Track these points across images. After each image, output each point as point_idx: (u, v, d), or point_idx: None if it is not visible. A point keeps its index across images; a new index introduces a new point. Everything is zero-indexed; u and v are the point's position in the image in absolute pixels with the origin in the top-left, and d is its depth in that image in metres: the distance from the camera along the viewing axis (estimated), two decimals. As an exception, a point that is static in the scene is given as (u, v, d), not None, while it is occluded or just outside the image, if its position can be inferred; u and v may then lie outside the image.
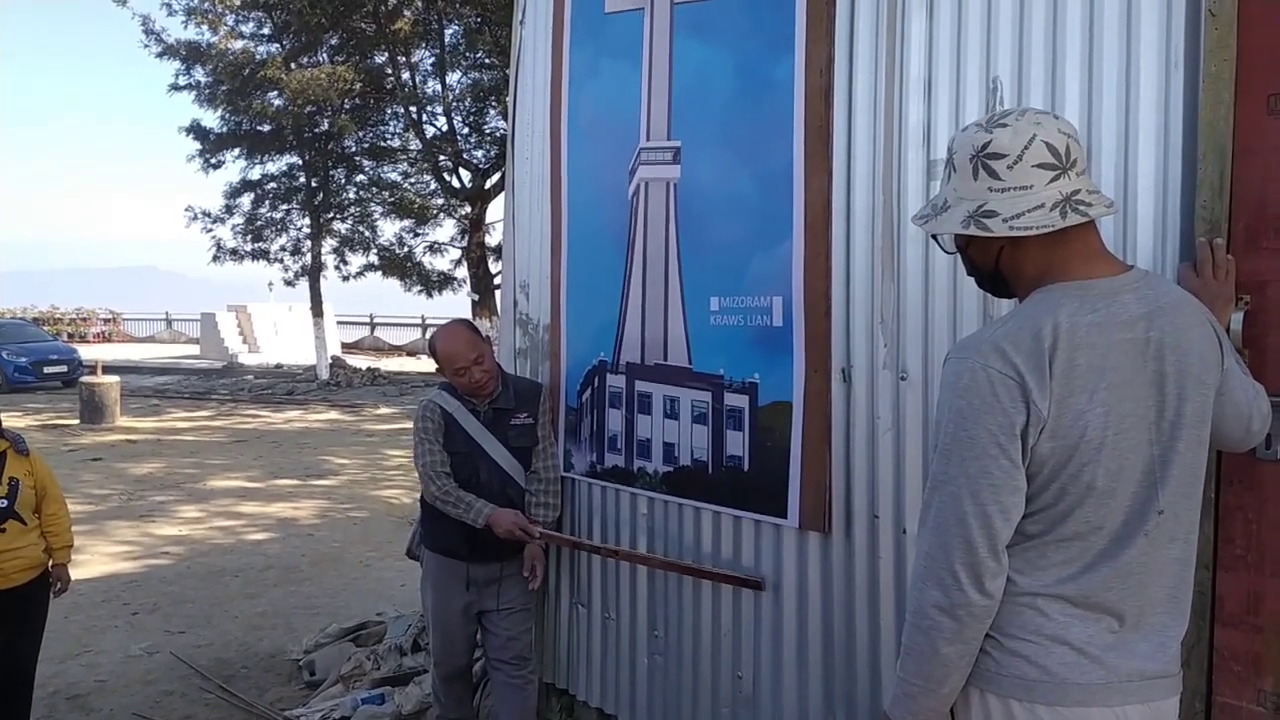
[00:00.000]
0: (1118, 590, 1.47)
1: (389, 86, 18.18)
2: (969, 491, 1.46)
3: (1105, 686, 1.46)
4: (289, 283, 20.84)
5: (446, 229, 20.09)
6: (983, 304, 2.17)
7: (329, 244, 20.20)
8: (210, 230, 19.93)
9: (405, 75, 18.07)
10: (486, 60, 17.48)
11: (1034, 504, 1.48)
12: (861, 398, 2.45)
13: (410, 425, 3.33)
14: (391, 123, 19.41)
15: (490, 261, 17.99)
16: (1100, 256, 1.54)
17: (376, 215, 20.18)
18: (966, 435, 1.46)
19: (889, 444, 2.38)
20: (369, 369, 21.09)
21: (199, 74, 18.38)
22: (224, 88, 17.79)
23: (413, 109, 18.23)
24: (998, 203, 1.49)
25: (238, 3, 17.68)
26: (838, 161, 2.47)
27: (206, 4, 17.65)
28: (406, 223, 19.83)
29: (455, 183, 18.77)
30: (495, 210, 18.56)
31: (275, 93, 17.53)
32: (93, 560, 6.64)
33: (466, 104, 18.30)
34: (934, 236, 1.79)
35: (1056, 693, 1.46)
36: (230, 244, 20.02)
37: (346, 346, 27.49)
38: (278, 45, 18.28)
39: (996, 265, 1.59)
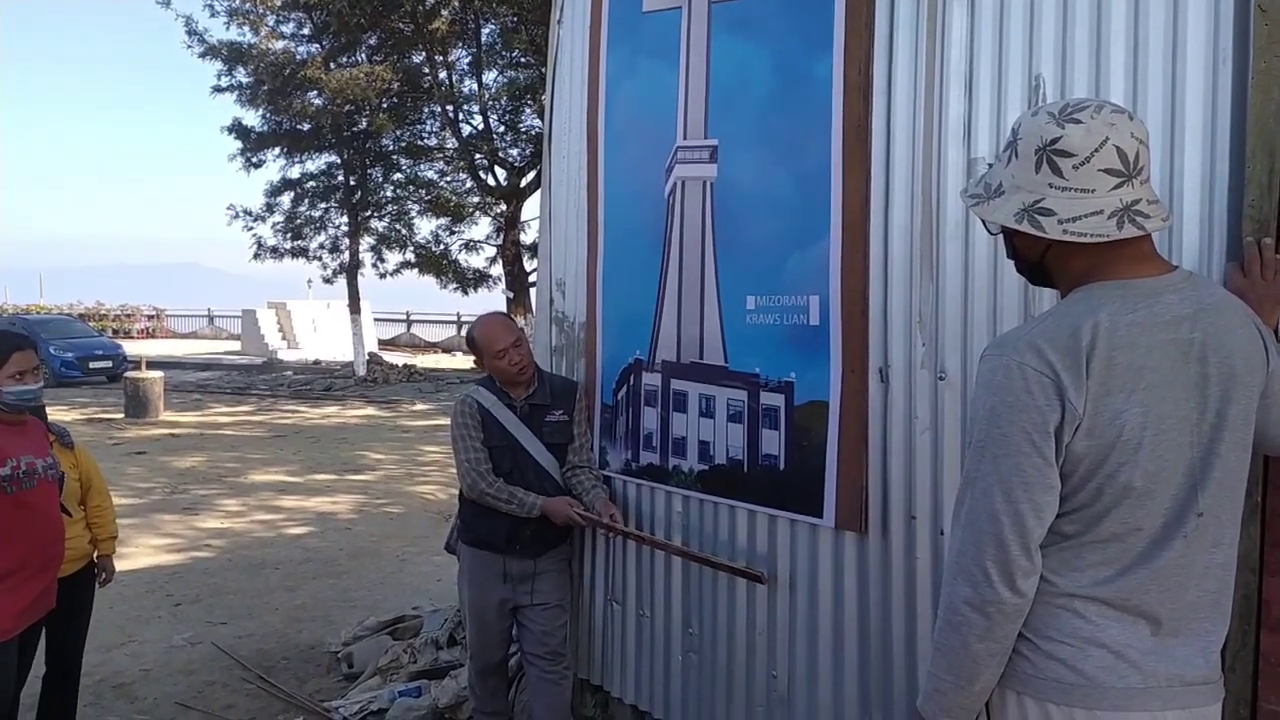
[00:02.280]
0: (1155, 593, 1.46)
1: (426, 85, 18.34)
2: (1001, 489, 1.45)
3: (1144, 691, 1.45)
4: (327, 280, 21.11)
5: (482, 227, 20.28)
6: (1023, 303, 2.15)
7: (366, 242, 20.43)
8: (251, 228, 20.26)
9: (442, 74, 18.21)
10: (523, 59, 17.57)
11: (1070, 503, 1.47)
12: (899, 398, 2.43)
13: (446, 421, 3.36)
14: (428, 121, 19.59)
15: (525, 259, 18.09)
16: (1147, 257, 1.51)
17: (413, 213, 20.38)
18: (1000, 432, 1.45)
19: (927, 444, 2.36)
20: (405, 365, 21.30)
21: (240, 74, 18.66)
22: (265, 87, 18.04)
23: (449, 108, 18.39)
24: (1056, 201, 1.46)
25: (278, 3, 17.91)
26: (876, 159, 2.45)
27: (248, 5, 17.90)
28: (443, 220, 20.02)
29: (491, 181, 18.91)
30: (530, 208, 18.71)
31: (315, 92, 17.76)
32: (137, 552, 6.77)
33: (502, 103, 18.41)
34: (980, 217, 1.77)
35: (1094, 696, 1.45)
36: (271, 242, 20.35)
37: (383, 343, 27.80)
38: (317, 45, 18.50)
39: (1042, 259, 1.56)
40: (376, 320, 27.90)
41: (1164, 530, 1.46)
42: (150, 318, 33.69)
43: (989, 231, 1.69)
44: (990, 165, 1.69)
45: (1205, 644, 1.49)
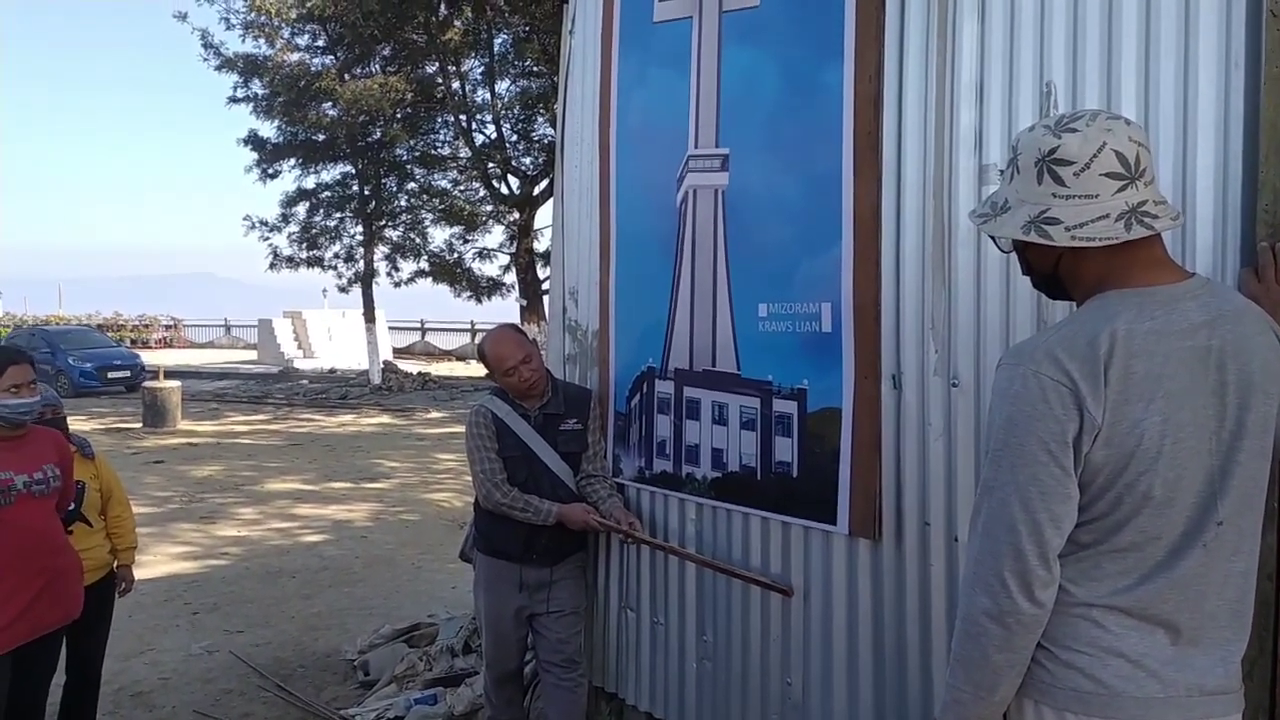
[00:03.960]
0: (1174, 602, 1.45)
1: (439, 96, 18.43)
2: (1019, 499, 1.44)
3: (1163, 700, 1.44)
4: (342, 289, 21.21)
5: (495, 235, 20.36)
6: (1036, 309, 2.14)
7: (381, 251, 20.52)
8: (267, 238, 20.39)
9: (455, 84, 18.29)
10: (535, 68, 17.63)
11: (1089, 513, 1.46)
12: (912, 404, 2.43)
13: (460, 429, 3.37)
14: (442, 131, 19.68)
15: (538, 267, 18.13)
16: (1162, 264, 1.51)
17: (427, 222, 20.45)
18: (1017, 442, 1.45)
19: (940, 450, 2.36)
20: (420, 373, 21.36)
21: (256, 86, 18.81)
22: (280, 99, 18.17)
23: (463, 117, 18.46)
24: (1061, 210, 1.47)
25: (294, 16, 18.05)
26: (887, 167, 2.46)
27: (263, 18, 18.04)
28: (456, 229, 20.09)
29: (504, 189, 18.97)
30: (543, 216, 18.72)
31: (330, 103, 17.88)
32: (155, 561, 6.82)
33: (515, 112, 18.48)
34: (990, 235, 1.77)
35: (1112, 706, 1.44)
36: (286, 251, 20.47)
37: (398, 351, 27.90)
38: (332, 57, 18.62)
39: (1055, 269, 1.57)
40: (391, 329, 28.02)
41: (1183, 539, 1.45)
42: (168, 328, 33.96)
43: (1001, 249, 1.70)
44: (1002, 172, 1.70)
45: (1225, 653, 1.48)
